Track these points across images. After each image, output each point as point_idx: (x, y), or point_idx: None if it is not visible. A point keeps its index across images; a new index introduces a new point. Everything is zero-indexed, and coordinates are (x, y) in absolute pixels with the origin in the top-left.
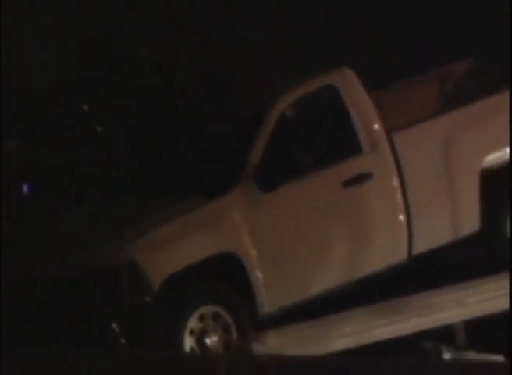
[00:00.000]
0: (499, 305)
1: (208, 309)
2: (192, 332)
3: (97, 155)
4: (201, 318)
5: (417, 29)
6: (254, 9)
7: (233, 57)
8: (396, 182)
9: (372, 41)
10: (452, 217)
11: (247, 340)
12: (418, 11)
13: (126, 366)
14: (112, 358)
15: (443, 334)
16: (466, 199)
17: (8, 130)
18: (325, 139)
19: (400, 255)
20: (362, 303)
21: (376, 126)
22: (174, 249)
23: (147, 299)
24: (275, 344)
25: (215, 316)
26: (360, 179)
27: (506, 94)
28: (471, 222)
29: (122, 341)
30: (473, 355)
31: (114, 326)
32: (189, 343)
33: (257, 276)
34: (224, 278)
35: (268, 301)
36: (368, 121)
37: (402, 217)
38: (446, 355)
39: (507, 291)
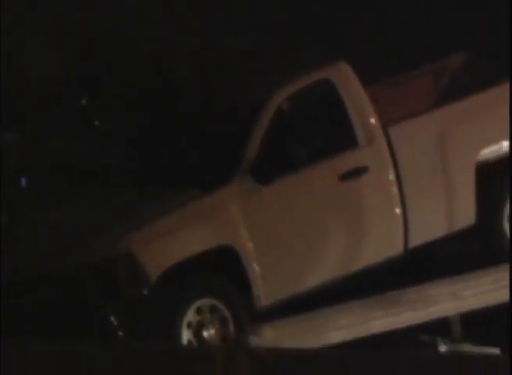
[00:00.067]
0: (495, 298)
1: (205, 302)
2: (189, 325)
3: (97, 148)
4: (199, 311)
5: (416, 27)
6: (253, 9)
7: (233, 55)
8: (391, 176)
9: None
10: (447, 211)
11: (244, 332)
12: (418, 10)
13: (124, 359)
14: (109, 351)
15: (439, 327)
16: (461, 193)
17: (7, 124)
18: (322, 133)
19: (395, 248)
20: (358, 296)
21: (372, 119)
22: (171, 242)
23: (145, 292)
24: (272, 336)
25: (213, 309)
26: (357, 172)
27: (502, 87)
28: (466, 215)
29: (120, 333)
30: (469, 348)
31: (112, 319)
32: (186, 336)
33: (254, 269)
34: (221, 271)
35: (264, 294)
36: (364, 115)
37: (398, 210)
38: (442, 348)
39: (502, 283)
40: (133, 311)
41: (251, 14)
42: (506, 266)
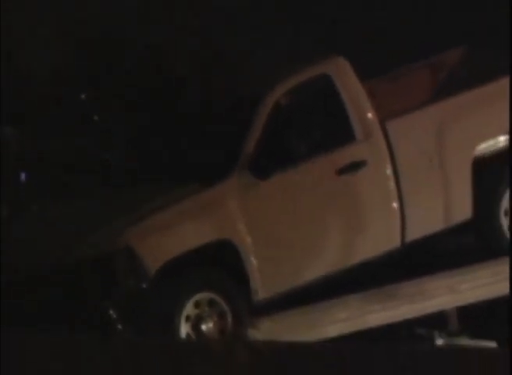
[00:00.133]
0: (492, 291)
1: (203, 296)
2: (188, 318)
3: (97, 145)
4: (197, 304)
5: (416, 26)
6: (253, 9)
7: (233, 55)
8: (389, 170)
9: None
10: (444, 205)
11: (243, 326)
12: (418, 10)
13: (122, 352)
14: (108, 344)
15: (436, 320)
16: (458, 187)
17: (7, 121)
18: (319, 127)
19: (393, 242)
20: (356, 289)
21: (369, 114)
22: (170, 236)
23: (143, 285)
24: (270, 330)
25: (211, 303)
26: (354, 167)
27: (499, 82)
28: (463, 210)
29: (119, 327)
30: (465, 341)
31: (111, 312)
32: (185, 329)
33: (252, 262)
34: (219, 265)
35: (262, 288)
36: (362, 109)
37: (395, 204)
38: (439, 341)
39: (499, 277)
40: (132, 304)
41: (251, 14)
42: (504, 260)
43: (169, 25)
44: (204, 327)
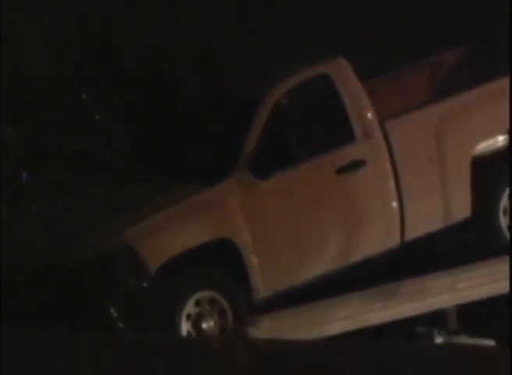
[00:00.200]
0: (493, 289)
1: (204, 294)
2: (189, 317)
3: (97, 141)
4: (198, 303)
5: (416, 26)
6: (253, 9)
7: (233, 55)
8: (388, 169)
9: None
10: (444, 204)
11: (243, 324)
12: (418, 10)
13: (123, 352)
14: (109, 342)
15: (435, 319)
16: (457, 186)
17: (7, 118)
18: (319, 127)
19: (393, 240)
20: (357, 288)
21: (369, 114)
22: (171, 235)
23: (144, 284)
24: (271, 328)
25: (212, 301)
26: (354, 166)
27: (499, 82)
28: (462, 208)
29: (120, 325)
30: (465, 340)
31: (112, 311)
32: (185, 327)
33: (253, 261)
34: (220, 264)
35: (263, 286)
36: (362, 109)
37: (394, 204)
38: (438, 340)
39: (499, 276)
40: (133, 303)
41: (251, 14)
42: (504, 258)
43: (169, 25)
44: (204, 325)
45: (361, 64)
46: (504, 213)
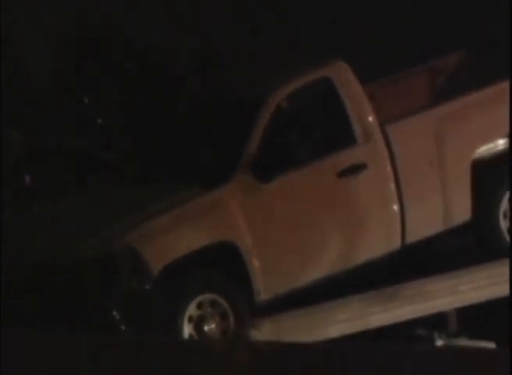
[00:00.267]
0: (493, 292)
1: (206, 297)
2: (190, 319)
3: (97, 142)
4: (200, 305)
5: (416, 27)
6: (253, 8)
7: (233, 55)
8: (389, 173)
9: (372, 37)
10: (444, 207)
11: (245, 326)
12: (418, 10)
13: (123, 352)
14: (108, 344)
15: (436, 321)
16: (458, 189)
17: (7, 118)
18: (321, 130)
19: (393, 243)
20: (357, 291)
21: (370, 117)
22: (173, 237)
23: (147, 286)
24: (272, 330)
25: (213, 304)
26: (355, 169)
27: (499, 86)
28: (462, 211)
29: (122, 327)
30: (465, 342)
31: (114, 313)
32: (187, 330)
33: (254, 264)
34: (222, 266)
35: (264, 289)
36: (362, 113)
37: (395, 207)
38: (439, 342)
39: (499, 279)
40: (135, 305)
41: (251, 14)
42: (504, 261)
43: (169, 25)
44: (206, 328)
45: (361, 64)
46: (504, 216)
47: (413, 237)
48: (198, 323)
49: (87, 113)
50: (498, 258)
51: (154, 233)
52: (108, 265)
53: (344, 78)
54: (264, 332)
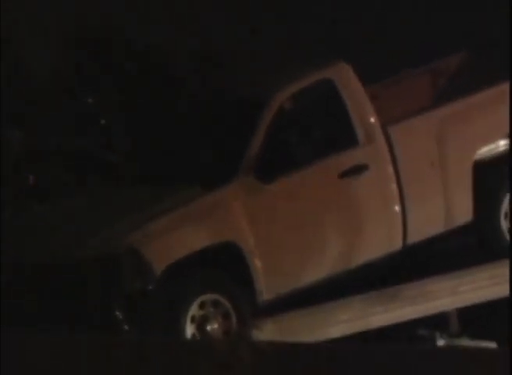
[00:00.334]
0: (494, 292)
1: (208, 297)
2: (193, 319)
3: (98, 142)
4: (202, 305)
5: (416, 27)
6: (253, 8)
7: (233, 55)
8: (391, 174)
9: (372, 37)
10: (446, 208)
11: (247, 327)
12: (418, 10)
13: (123, 352)
14: (108, 344)
15: (437, 321)
16: (459, 190)
17: (7, 118)
18: (323, 132)
19: (395, 244)
20: (358, 291)
21: (372, 119)
22: (175, 238)
23: (149, 287)
24: (274, 330)
25: (216, 304)
26: (357, 170)
27: (500, 87)
28: (464, 212)
29: (125, 328)
30: (466, 342)
31: (117, 313)
32: (190, 330)
33: (257, 264)
34: (224, 267)
35: (266, 289)
36: (364, 114)
37: (397, 208)
38: (440, 342)
39: (500, 279)
40: (138, 305)
41: (251, 14)
42: (505, 262)
43: (169, 25)
44: (208, 328)
45: (361, 64)
46: (505, 217)
47: (414, 237)
48: (201, 323)
49: (87, 113)
50: (499, 258)
51: (156, 234)
52: (110, 265)
53: (346, 79)
54: (267, 332)
